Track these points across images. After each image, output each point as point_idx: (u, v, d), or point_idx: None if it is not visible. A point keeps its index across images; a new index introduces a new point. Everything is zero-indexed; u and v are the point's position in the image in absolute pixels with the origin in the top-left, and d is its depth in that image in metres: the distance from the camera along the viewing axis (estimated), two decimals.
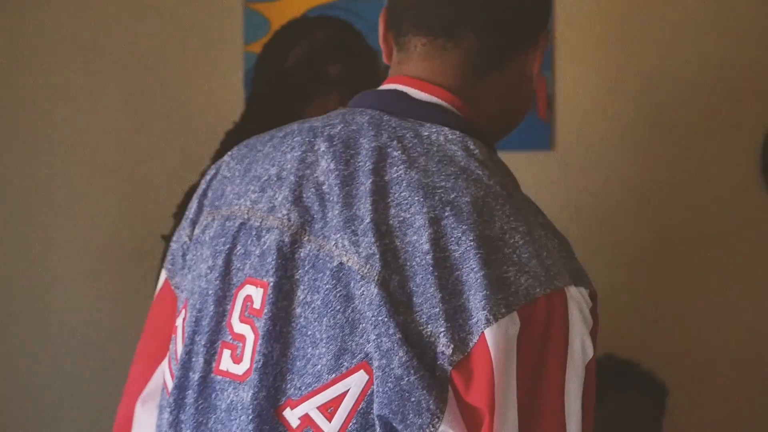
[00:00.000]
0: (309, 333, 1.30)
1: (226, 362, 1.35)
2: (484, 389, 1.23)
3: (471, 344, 1.23)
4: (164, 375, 1.45)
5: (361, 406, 1.26)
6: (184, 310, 1.42)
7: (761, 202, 2.80)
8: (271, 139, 1.44)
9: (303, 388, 1.29)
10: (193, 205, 1.49)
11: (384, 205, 1.30)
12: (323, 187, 1.34)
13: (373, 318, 1.25)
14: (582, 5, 2.73)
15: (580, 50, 2.78)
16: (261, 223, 1.36)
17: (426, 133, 1.36)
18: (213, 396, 1.36)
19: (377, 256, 1.27)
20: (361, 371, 1.26)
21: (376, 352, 1.25)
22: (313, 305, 1.30)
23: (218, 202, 1.44)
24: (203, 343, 1.37)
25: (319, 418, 1.28)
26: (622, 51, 2.83)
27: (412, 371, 1.23)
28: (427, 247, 1.26)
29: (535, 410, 1.26)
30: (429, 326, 1.24)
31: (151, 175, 2.95)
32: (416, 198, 1.29)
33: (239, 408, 1.32)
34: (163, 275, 1.51)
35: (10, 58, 3.03)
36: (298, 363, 1.30)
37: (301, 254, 1.32)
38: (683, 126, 2.81)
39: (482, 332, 1.23)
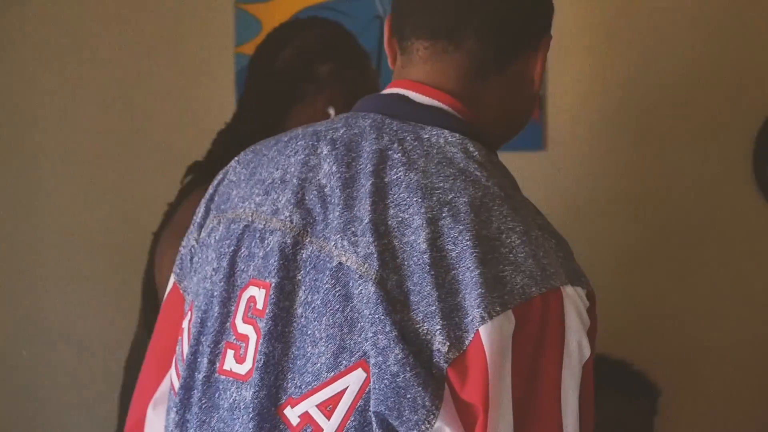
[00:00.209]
0: (309, 332, 1.32)
1: (229, 362, 1.37)
2: (478, 386, 1.24)
3: (466, 342, 1.24)
4: (171, 377, 1.47)
5: (359, 404, 1.28)
6: (190, 312, 1.45)
7: (754, 202, 2.79)
8: (276, 143, 1.47)
9: (303, 386, 1.31)
10: (201, 209, 1.52)
11: (383, 206, 1.32)
12: (325, 190, 1.36)
13: (370, 316, 1.27)
14: (572, 6, 2.74)
15: (570, 50, 2.78)
16: (264, 225, 1.38)
17: (426, 136, 1.38)
18: (216, 395, 1.38)
19: (375, 256, 1.28)
20: (359, 369, 1.28)
21: (372, 349, 1.26)
22: (313, 305, 1.32)
23: (224, 205, 1.46)
24: (208, 343, 1.40)
25: (318, 416, 1.30)
26: (613, 51, 2.83)
27: (407, 368, 1.24)
28: (424, 246, 1.28)
29: (531, 408, 1.27)
30: (425, 324, 1.25)
31: (143, 175, 2.95)
32: (415, 199, 1.31)
33: (241, 407, 1.34)
34: (172, 279, 1.54)
35: (4, 55, 3.02)
36: (298, 362, 1.32)
37: (303, 255, 1.34)
38: (675, 126, 2.81)
39: (477, 330, 1.24)
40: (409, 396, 1.24)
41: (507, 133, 1.50)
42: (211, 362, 1.39)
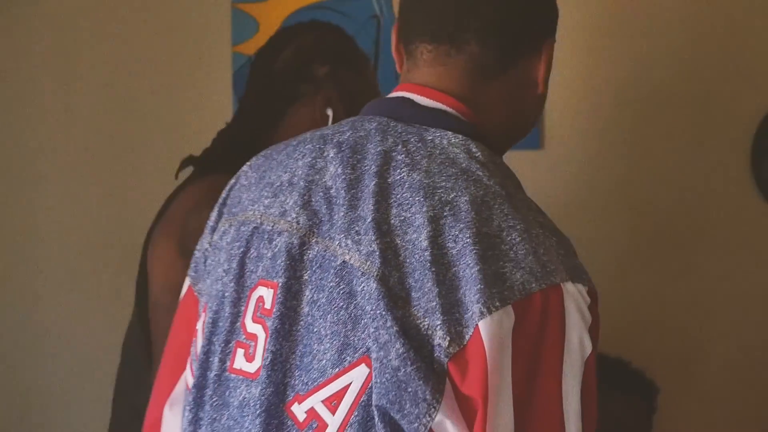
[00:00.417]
0: (315, 330, 1.34)
1: (239, 361, 1.40)
2: (478, 380, 1.25)
3: (467, 337, 1.26)
4: (186, 377, 1.51)
5: (362, 399, 1.30)
6: (203, 314, 1.48)
7: (751, 200, 2.79)
8: (286, 147, 1.50)
9: (309, 383, 1.33)
10: (214, 213, 1.55)
11: (386, 206, 1.34)
12: (331, 191, 1.39)
13: (371, 312, 1.29)
14: (569, 5, 2.74)
15: (568, 49, 2.78)
16: (272, 227, 1.42)
17: (430, 138, 1.41)
18: (227, 393, 1.41)
19: (377, 254, 1.31)
20: (363, 365, 1.30)
21: (374, 344, 1.28)
22: (319, 303, 1.35)
23: (235, 208, 1.50)
24: (219, 343, 1.43)
25: (323, 411, 1.32)
26: (610, 50, 2.83)
27: (408, 363, 1.26)
28: (425, 244, 1.30)
29: (532, 403, 1.28)
30: (426, 320, 1.27)
31: (140, 175, 2.95)
32: (417, 198, 1.33)
33: (250, 404, 1.37)
34: (187, 282, 1.57)
35: (2, 55, 3.02)
36: (305, 359, 1.34)
37: (310, 255, 1.37)
38: (672, 124, 2.81)
39: (476, 325, 1.25)
40: (410, 390, 1.26)
41: (512, 135, 1.52)
42: (222, 361, 1.42)
